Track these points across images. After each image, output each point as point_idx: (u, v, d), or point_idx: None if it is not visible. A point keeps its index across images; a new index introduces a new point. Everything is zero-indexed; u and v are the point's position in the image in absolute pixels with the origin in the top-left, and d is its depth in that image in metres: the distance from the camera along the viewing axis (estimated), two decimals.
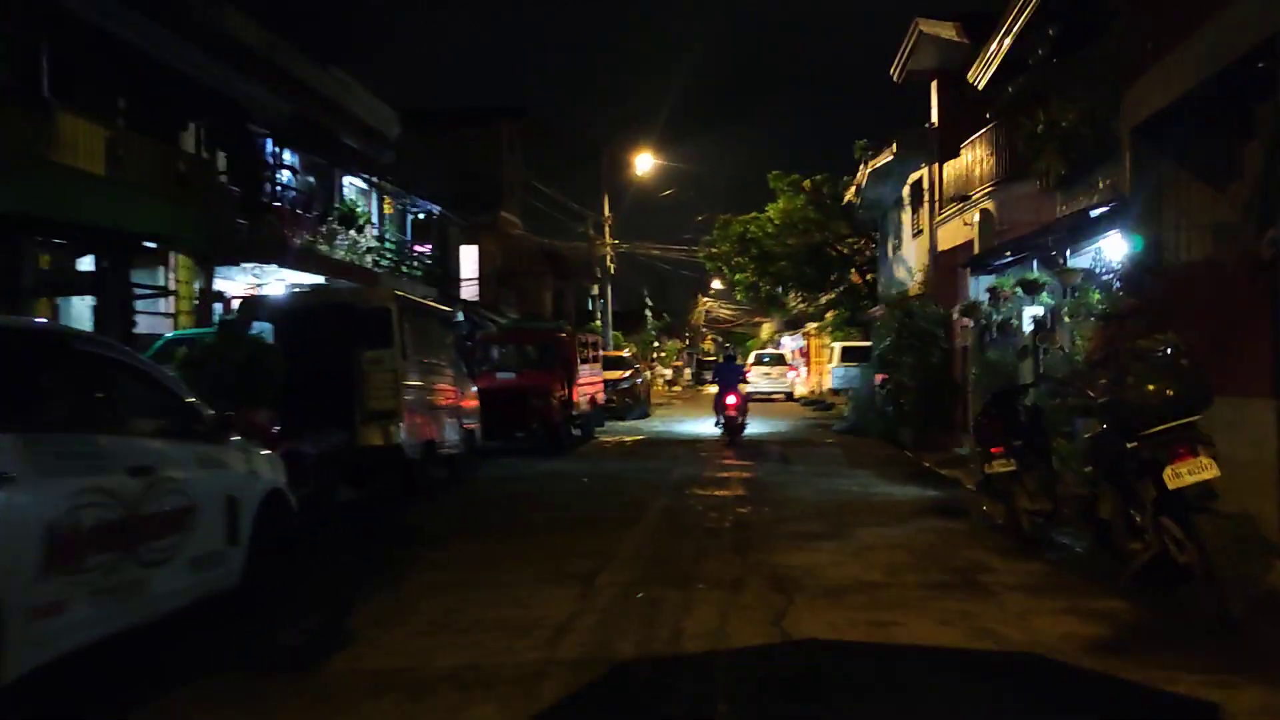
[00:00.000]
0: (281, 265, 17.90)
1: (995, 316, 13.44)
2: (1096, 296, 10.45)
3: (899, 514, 9.92)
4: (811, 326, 39.07)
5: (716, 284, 52.83)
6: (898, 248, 24.65)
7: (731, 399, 18.76)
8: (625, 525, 9.36)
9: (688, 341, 72.11)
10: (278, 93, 19.07)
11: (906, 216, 23.20)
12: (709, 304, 66.99)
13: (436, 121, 31.82)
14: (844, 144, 27.23)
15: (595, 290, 39.10)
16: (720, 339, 66.76)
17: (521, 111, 36.94)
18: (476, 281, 32.72)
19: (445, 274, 29.37)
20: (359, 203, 23.45)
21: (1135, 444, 6.08)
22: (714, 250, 33.73)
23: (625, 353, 33.89)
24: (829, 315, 33.11)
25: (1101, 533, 6.99)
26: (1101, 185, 11.69)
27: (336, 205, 21.93)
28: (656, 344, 59.84)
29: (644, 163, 36.06)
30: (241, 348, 9.17)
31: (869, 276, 29.93)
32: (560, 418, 17.74)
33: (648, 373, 39.66)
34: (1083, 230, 10.82)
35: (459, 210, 30.27)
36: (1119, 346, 8.58)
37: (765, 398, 35.37)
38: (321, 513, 9.68)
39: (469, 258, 32.72)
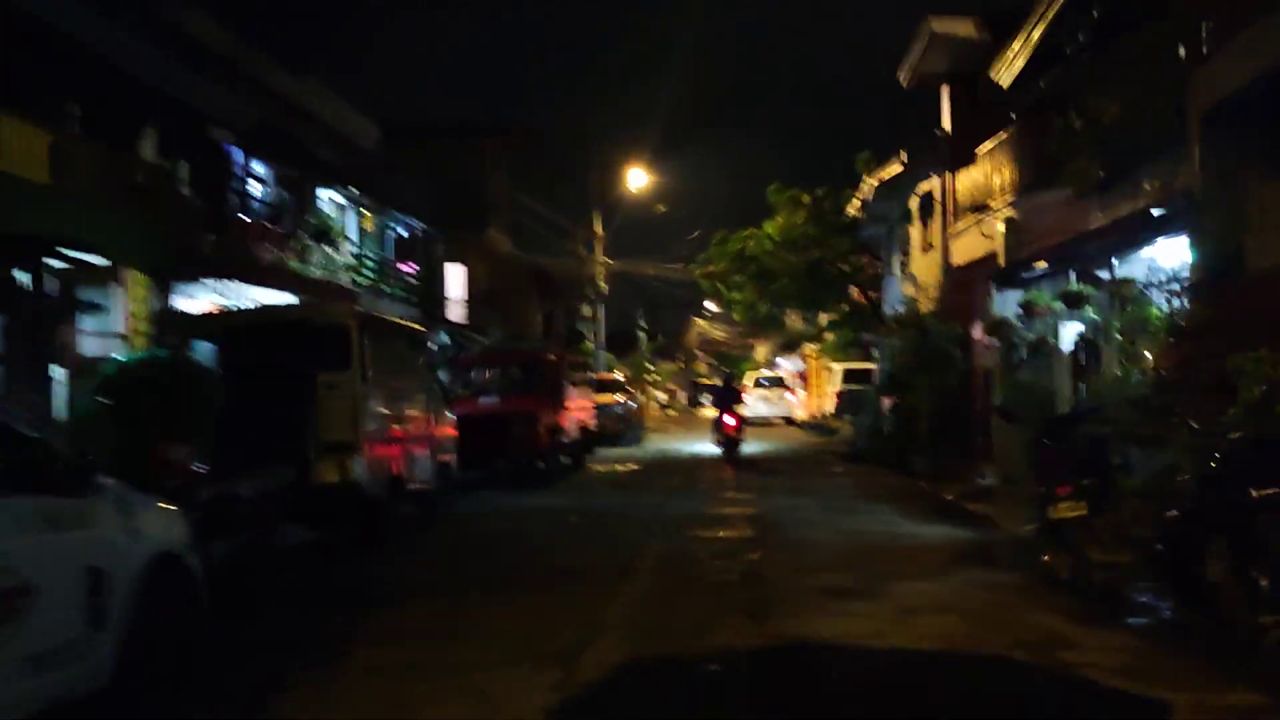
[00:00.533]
0: (249, 283, 16.59)
1: (1028, 335, 12.14)
2: (1155, 311, 9.18)
3: (936, 562, 8.54)
4: (811, 348, 37.73)
5: (711, 306, 51.58)
6: (905, 264, 23.39)
7: (729, 419, 19.71)
8: (616, 579, 7.98)
9: (682, 364, 70.69)
10: (246, 99, 17.90)
11: (915, 230, 21.95)
12: (703, 326, 65.66)
13: (422, 137, 30.62)
14: (845, 155, 25.97)
15: (586, 310, 37.77)
16: (715, 362, 65.39)
17: (510, 126, 35.72)
18: (463, 301, 31.42)
19: (430, 293, 28.08)
20: (334, 217, 22.14)
21: (1272, 490, 4.77)
22: (710, 269, 32.36)
23: (617, 375, 32.56)
24: (830, 336, 31.70)
25: (1204, 597, 5.68)
26: (1148, 187, 10.44)
27: (310, 219, 20.60)
28: (650, 366, 58.52)
29: (637, 178, 34.77)
30: (169, 373, 7.79)
31: (872, 295, 28.62)
32: (547, 446, 16.35)
33: (641, 396, 38.30)
34: (1136, 235, 9.55)
35: (445, 228, 29.02)
36: (1198, 367, 7.26)
37: (764, 422, 34.03)
38: (259, 567, 8.30)
39: (455, 277, 31.43)
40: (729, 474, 17.39)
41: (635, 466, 19.24)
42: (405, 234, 27.35)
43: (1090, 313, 10.32)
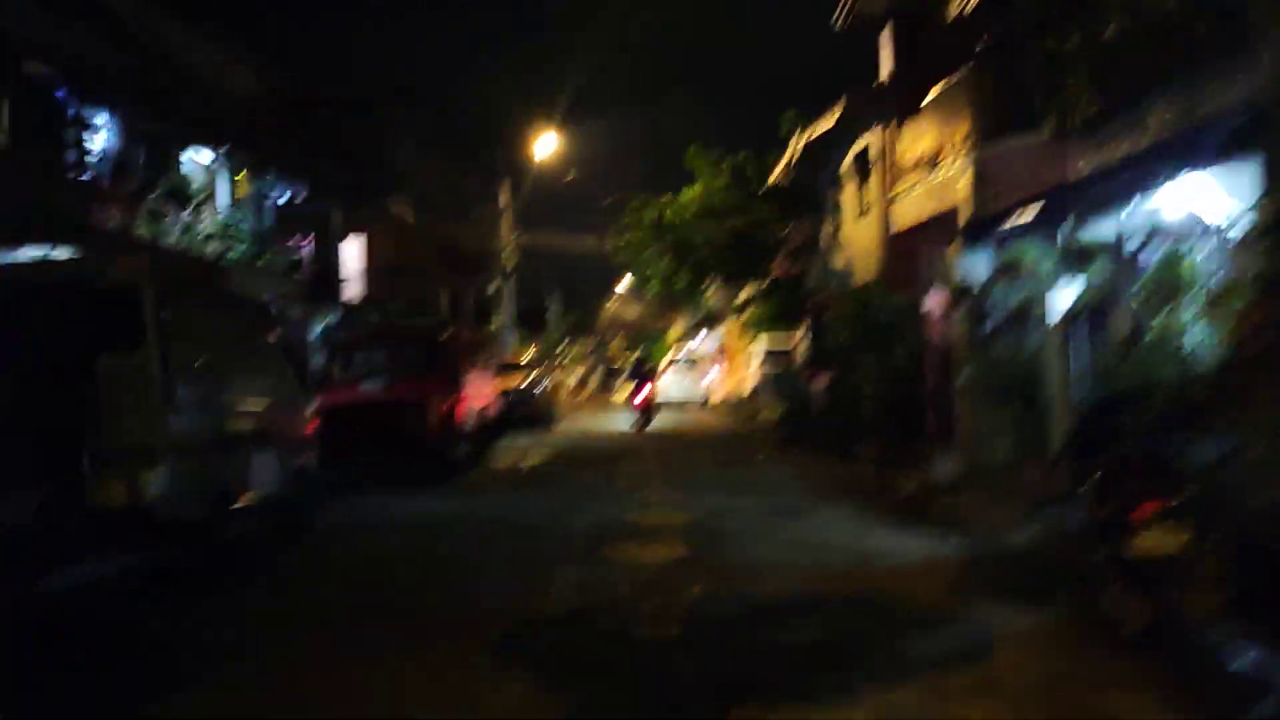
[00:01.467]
0: (83, 248, 13.90)
1: (1008, 302, 10.21)
2: (1189, 266, 7.28)
3: (931, 596, 6.49)
4: (730, 324, 35.76)
5: (625, 283, 49.43)
6: (837, 231, 21.45)
7: (641, 397, 23.28)
8: (508, 636, 5.77)
9: (596, 342, 68.29)
10: (87, 35, 15.29)
11: (848, 194, 19.99)
12: (617, 303, 63.44)
13: (323, 102, 27.81)
14: (770, 117, 24.15)
15: (495, 286, 35.28)
16: (630, 340, 63.22)
17: (415, 93, 32.94)
18: (362, 277, 28.68)
19: (323, 268, 25.31)
20: (198, 179, 19.28)
21: None
22: (625, 239, 30.14)
23: (526, 356, 30.27)
24: (751, 311, 29.74)
25: None
26: (1156, 121, 8.57)
27: (164, 180, 17.75)
28: (563, 345, 56.17)
29: (549, 144, 32.30)
30: None
31: (800, 266, 26.74)
32: (440, 438, 13.99)
33: (553, 378, 35.97)
34: (1167, 166, 7.56)
35: (346, 198, 26.25)
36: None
37: (683, 404, 32.08)
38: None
39: (353, 251, 28.68)
40: (652, 465, 15.29)
41: (545, 458, 16.96)
42: (296, 203, 24.49)
43: (1099, 271, 8.37)
